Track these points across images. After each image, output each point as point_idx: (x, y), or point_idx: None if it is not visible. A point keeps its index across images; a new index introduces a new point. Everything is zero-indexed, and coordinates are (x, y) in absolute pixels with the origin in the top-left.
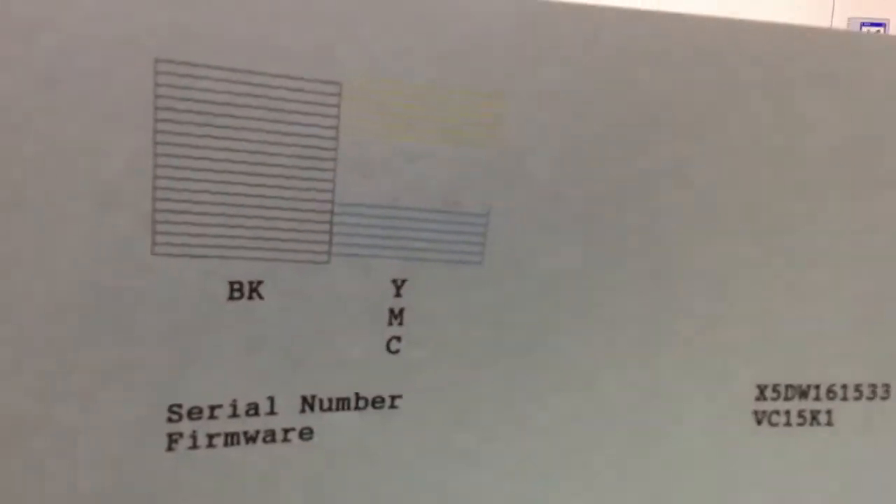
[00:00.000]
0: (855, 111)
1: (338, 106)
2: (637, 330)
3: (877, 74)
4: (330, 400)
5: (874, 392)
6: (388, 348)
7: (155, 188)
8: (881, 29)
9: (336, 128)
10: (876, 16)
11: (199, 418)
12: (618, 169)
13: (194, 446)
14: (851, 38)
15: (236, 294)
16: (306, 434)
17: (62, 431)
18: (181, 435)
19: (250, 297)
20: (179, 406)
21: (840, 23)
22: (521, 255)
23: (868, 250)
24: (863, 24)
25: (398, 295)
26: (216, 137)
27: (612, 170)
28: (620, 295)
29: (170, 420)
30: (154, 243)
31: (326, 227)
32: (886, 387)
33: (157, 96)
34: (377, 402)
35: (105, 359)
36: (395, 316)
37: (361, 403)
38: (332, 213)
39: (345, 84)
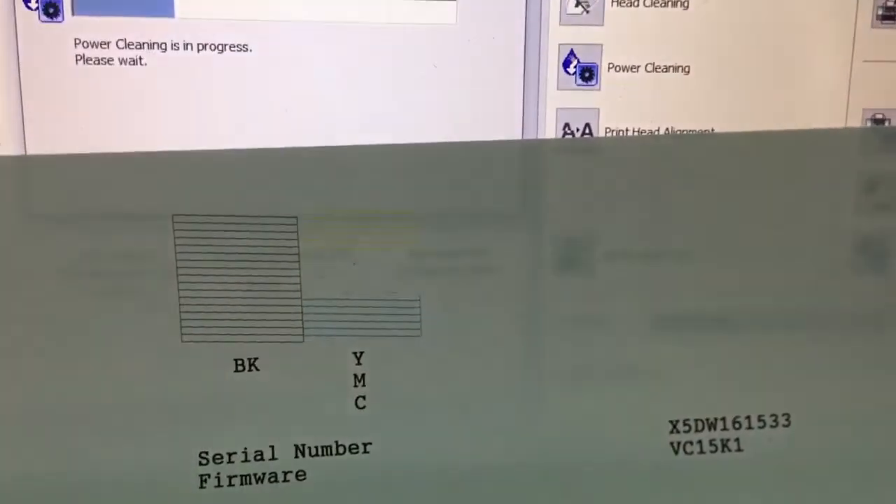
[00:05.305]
0: None
1: (297, 232)
2: (562, 379)
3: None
4: (316, 447)
5: (776, 421)
6: (356, 405)
7: (180, 298)
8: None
9: (297, 246)
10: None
11: (221, 462)
12: None
13: (219, 485)
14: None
15: (240, 367)
16: (301, 475)
17: (121, 471)
18: (209, 476)
19: (250, 370)
20: (207, 452)
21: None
22: (453, 327)
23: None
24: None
25: (359, 363)
26: (218, 262)
27: None
28: (546, 353)
29: (200, 464)
30: (182, 334)
31: (299, 315)
32: (787, 416)
33: (176, 243)
34: (353, 448)
35: (153, 416)
36: (359, 379)
37: (341, 450)
38: (301, 305)
39: (300, 217)
